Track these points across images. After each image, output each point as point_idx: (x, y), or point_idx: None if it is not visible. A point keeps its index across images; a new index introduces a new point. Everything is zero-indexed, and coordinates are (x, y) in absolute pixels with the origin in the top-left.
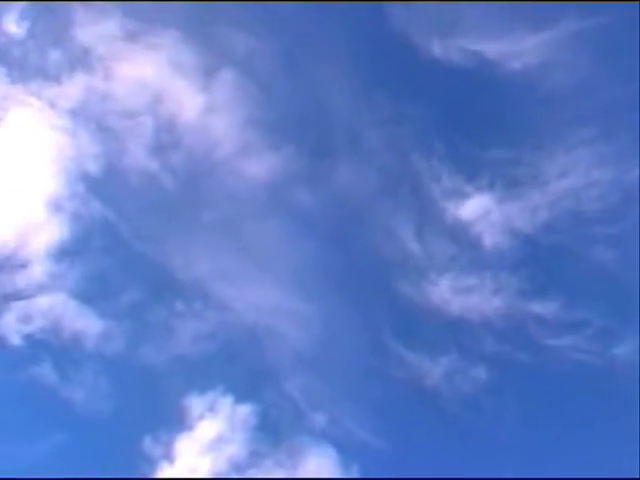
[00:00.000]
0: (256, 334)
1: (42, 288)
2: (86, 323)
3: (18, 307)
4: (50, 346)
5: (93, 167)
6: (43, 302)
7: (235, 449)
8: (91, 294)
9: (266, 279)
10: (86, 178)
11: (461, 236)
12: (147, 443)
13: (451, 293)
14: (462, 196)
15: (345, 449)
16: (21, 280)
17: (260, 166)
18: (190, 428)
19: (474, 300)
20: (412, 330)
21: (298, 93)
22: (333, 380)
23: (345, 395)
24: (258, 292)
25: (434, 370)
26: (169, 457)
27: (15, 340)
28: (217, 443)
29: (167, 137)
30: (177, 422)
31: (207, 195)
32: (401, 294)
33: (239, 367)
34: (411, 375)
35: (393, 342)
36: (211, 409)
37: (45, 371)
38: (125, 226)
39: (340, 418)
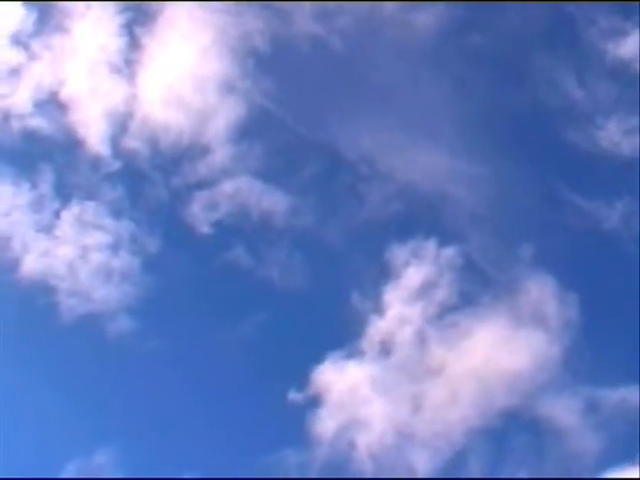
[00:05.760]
0: (430, 200)
1: (225, 172)
2: (272, 201)
3: (203, 195)
4: (240, 229)
5: (260, 42)
6: (228, 187)
7: (445, 292)
8: (273, 172)
9: (433, 145)
10: (254, 55)
11: (624, 75)
12: (354, 300)
13: (620, 135)
14: (621, 34)
15: (561, 277)
16: (203, 167)
17: (428, 15)
18: (396, 277)
19: None
20: (585, 178)
21: None
22: (512, 236)
23: (527, 248)
24: (428, 160)
25: (611, 215)
26: (378, 310)
27: (205, 229)
28: (426, 289)
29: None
30: (382, 273)
31: (376, 55)
32: (569, 143)
33: (427, 222)
34: (589, 223)
35: (567, 192)
36: (415, 255)
37: (238, 254)
38: (297, 101)
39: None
